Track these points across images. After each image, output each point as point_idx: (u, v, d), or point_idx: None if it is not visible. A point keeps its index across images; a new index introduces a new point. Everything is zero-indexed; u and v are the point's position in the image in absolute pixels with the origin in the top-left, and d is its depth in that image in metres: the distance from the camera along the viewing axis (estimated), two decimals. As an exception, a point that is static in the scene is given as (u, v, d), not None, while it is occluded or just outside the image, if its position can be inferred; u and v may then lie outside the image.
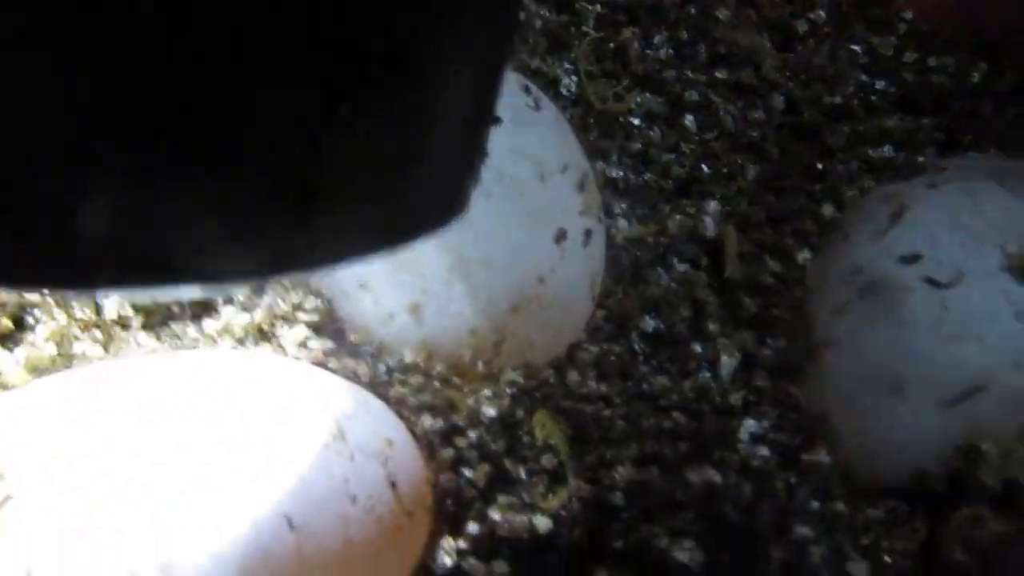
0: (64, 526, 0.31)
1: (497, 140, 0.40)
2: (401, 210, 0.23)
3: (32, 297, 0.39)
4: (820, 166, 0.48)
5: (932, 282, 0.40)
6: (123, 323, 0.40)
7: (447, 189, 0.24)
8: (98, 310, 0.40)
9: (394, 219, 0.23)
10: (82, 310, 0.40)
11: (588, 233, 0.42)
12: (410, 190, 0.23)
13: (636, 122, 0.48)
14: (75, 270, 0.20)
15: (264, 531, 0.32)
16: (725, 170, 0.47)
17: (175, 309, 0.40)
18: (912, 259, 0.41)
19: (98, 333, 0.40)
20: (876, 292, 0.41)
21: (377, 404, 0.37)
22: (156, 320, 0.40)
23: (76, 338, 0.39)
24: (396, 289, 0.39)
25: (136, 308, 0.40)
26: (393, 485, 0.35)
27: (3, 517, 0.32)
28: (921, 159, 0.49)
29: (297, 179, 0.20)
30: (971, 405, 0.39)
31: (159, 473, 0.32)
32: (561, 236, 0.41)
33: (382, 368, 0.39)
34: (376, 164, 0.21)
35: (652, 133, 0.48)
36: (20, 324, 0.40)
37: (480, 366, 0.39)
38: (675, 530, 0.38)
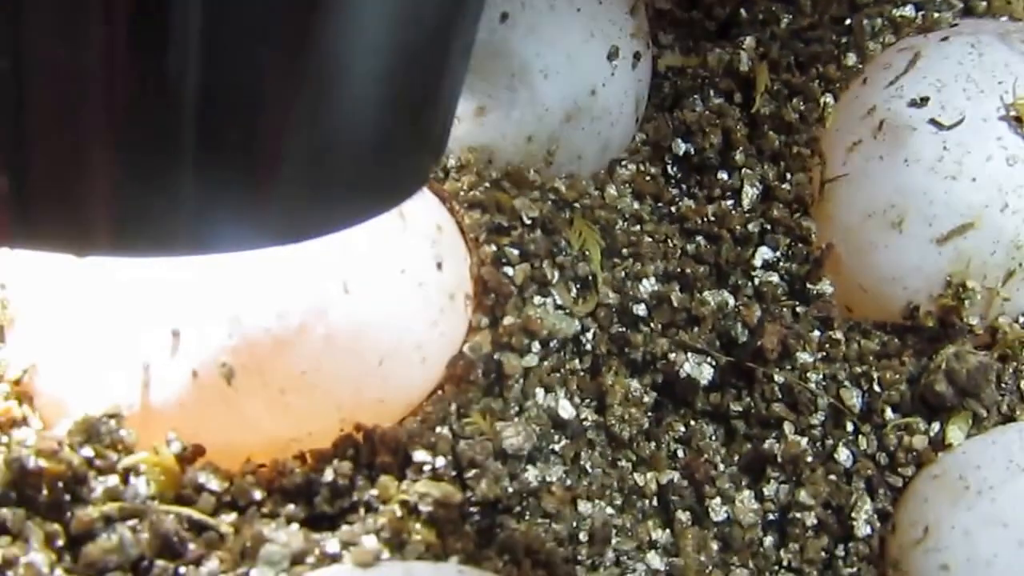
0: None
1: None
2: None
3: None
4: (847, 21, 0.49)
5: (936, 123, 0.43)
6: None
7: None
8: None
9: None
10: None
11: (637, 55, 0.43)
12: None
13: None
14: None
15: (323, 293, 0.34)
16: (761, 16, 0.48)
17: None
18: (920, 102, 0.43)
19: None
20: (886, 130, 0.43)
21: (429, 195, 0.39)
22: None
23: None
24: (465, 92, 0.40)
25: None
26: (439, 266, 0.37)
27: None
28: (937, 15, 0.50)
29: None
30: (962, 241, 0.42)
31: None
32: (613, 53, 0.42)
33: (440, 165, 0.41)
34: None
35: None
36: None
37: (531, 174, 0.41)
38: (689, 346, 0.41)
